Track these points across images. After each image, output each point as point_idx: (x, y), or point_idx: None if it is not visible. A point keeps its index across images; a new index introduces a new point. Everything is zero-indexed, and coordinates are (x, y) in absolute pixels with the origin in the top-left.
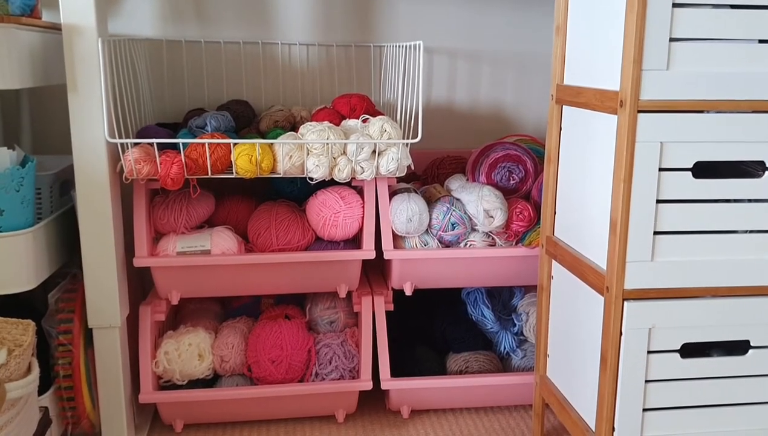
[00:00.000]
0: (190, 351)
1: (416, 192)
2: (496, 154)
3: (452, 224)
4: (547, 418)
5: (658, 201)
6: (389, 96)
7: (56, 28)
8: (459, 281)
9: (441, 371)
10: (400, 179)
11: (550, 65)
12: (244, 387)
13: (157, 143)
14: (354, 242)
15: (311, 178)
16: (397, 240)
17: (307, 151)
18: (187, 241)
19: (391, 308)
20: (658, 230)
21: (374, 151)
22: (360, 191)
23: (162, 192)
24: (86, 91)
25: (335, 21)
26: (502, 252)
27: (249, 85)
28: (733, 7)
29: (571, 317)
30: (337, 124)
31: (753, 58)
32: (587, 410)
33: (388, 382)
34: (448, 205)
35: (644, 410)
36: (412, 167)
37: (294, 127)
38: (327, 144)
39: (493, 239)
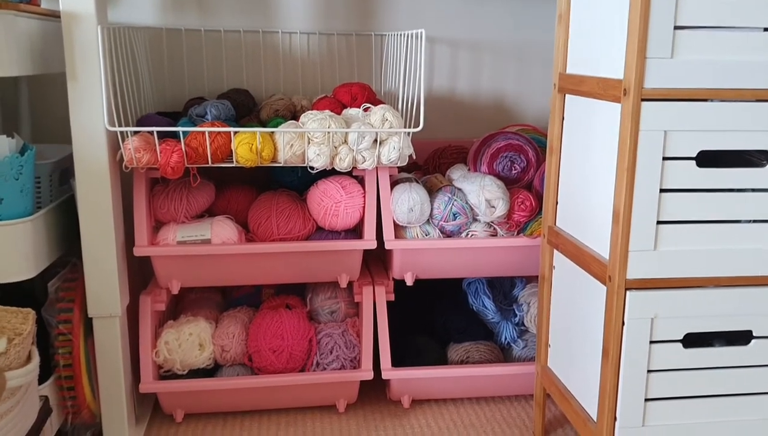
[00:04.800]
0: (191, 341)
1: (417, 182)
2: (497, 144)
3: (454, 214)
4: (548, 408)
5: (662, 190)
6: (390, 85)
7: (55, 15)
8: (460, 271)
9: (442, 361)
10: (401, 169)
11: (552, 54)
12: (244, 377)
13: (157, 132)
14: (355, 231)
15: (312, 168)
16: (399, 230)
17: (308, 140)
18: (187, 230)
19: (392, 298)
20: (661, 219)
21: (375, 141)
22: (361, 181)
23: (162, 181)
24: (86, 79)
25: (336, 9)
26: (503, 242)
27: (249, 73)
28: None
29: (572, 307)
30: (338, 113)
31: (757, 46)
32: (589, 400)
33: (389, 372)
34: (450, 195)
35: (646, 400)
36: (414, 157)
37: (295, 116)
38: (328, 133)
39: (494, 228)
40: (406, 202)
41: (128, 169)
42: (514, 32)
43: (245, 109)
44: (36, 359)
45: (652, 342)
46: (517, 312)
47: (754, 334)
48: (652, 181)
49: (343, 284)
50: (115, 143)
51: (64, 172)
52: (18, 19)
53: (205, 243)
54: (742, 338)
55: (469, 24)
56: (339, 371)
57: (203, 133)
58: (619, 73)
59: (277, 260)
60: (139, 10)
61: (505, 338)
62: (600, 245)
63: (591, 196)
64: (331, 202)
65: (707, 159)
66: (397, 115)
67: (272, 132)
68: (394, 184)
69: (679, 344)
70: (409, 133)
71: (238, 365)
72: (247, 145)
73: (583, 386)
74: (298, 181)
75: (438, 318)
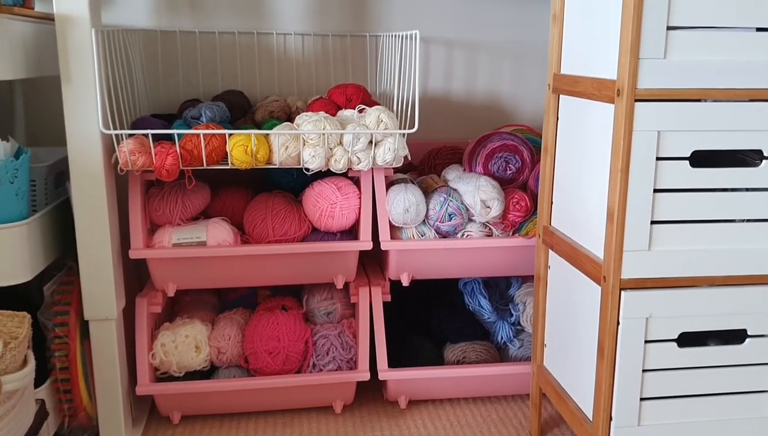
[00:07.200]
0: (187, 343)
1: (413, 182)
2: (492, 145)
3: (449, 215)
4: (544, 407)
5: (656, 190)
6: (385, 86)
7: (49, 18)
8: (456, 271)
9: (438, 361)
10: (396, 170)
11: (546, 55)
12: (241, 379)
13: (152, 134)
14: (351, 232)
15: (307, 169)
16: (394, 231)
17: (303, 141)
18: (182, 232)
19: (389, 298)
20: (655, 219)
21: (371, 142)
22: (357, 182)
23: (157, 183)
24: (80, 82)
25: (331, 10)
26: (498, 242)
27: (244, 75)
28: None
29: (568, 307)
30: (333, 115)
31: (751, 46)
32: (584, 400)
33: (385, 372)
34: (445, 196)
35: (641, 399)
36: (409, 158)
37: (289, 118)
38: (323, 134)
39: (490, 229)
40: (402, 203)
41: (123, 171)
42: (508, 33)
43: (240, 110)
44: (32, 363)
45: (647, 342)
46: (513, 312)
47: (748, 333)
48: (646, 182)
49: (339, 285)
50: (110, 146)
51: (60, 175)
52: (12, 22)
53: (201, 245)
54: (737, 337)
55: (463, 24)
56: (335, 372)
57: (198, 135)
58: (613, 73)
59: (273, 262)
60: (134, 12)
61: (501, 338)
62: (594, 245)
63: (585, 197)
64: (327, 204)
65: (701, 159)
66: (392, 117)
67: (267, 134)
68: (389, 185)
69: (674, 344)
70: (404, 134)
71: (235, 367)
72: (242, 147)
73: (579, 386)
74: (293, 182)
75: (434, 318)
